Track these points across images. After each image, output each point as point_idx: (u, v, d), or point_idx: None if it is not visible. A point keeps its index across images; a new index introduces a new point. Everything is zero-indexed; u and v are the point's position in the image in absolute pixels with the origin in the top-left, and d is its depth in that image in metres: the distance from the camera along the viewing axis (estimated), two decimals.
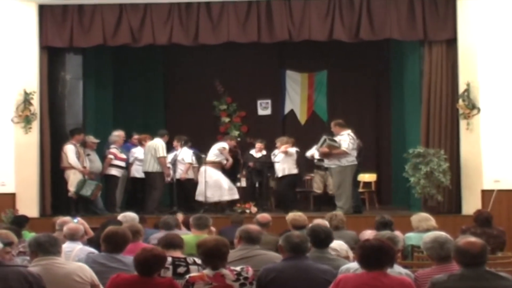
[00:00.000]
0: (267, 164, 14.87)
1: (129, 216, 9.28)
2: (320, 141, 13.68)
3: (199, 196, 14.26)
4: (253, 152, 15.07)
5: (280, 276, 5.81)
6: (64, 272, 5.69)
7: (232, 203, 14.33)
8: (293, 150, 14.56)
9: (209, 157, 14.40)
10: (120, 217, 9.34)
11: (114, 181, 14.57)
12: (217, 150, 14.56)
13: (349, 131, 13.66)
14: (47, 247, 5.77)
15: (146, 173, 14.42)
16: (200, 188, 14.24)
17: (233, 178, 14.97)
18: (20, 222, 10.10)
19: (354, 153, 13.61)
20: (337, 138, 13.54)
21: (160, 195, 14.45)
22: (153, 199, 14.20)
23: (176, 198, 14.48)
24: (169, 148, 14.75)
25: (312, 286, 5.72)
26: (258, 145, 15.05)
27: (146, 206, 14.13)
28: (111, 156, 14.48)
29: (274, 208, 14.98)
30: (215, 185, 14.15)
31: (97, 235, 7.84)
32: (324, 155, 13.76)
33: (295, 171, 14.56)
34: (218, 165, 14.53)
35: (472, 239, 5.05)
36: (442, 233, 6.12)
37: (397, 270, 5.70)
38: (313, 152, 14.42)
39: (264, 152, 15.03)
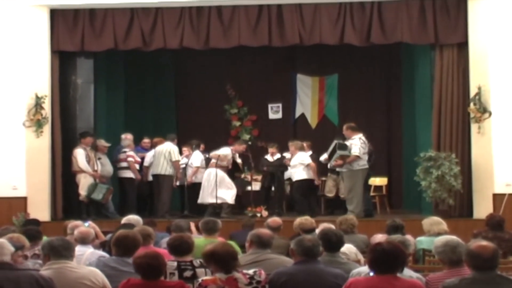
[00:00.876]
0: (281, 168, 14.86)
1: (133, 220, 9.29)
2: (332, 146, 13.66)
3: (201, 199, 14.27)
4: (267, 156, 15.01)
5: (291, 279, 5.81)
6: (76, 276, 5.69)
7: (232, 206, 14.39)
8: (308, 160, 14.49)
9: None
10: (124, 220, 9.36)
11: (131, 184, 14.59)
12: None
13: (360, 135, 13.62)
14: (60, 251, 5.78)
15: (156, 175, 14.44)
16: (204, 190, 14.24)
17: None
18: (31, 235, 10.09)
19: (365, 157, 13.59)
20: (347, 142, 13.52)
21: (170, 198, 14.46)
22: (164, 202, 14.22)
23: (187, 201, 14.51)
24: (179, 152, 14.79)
25: None
26: (271, 149, 15.00)
27: (157, 209, 14.14)
28: (131, 159, 14.50)
29: (286, 212, 14.93)
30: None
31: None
32: (337, 166, 13.75)
33: (307, 176, 14.50)
34: (225, 169, 14.50)
35: (484, 243, 5.02)
36: (454, 237, 6.10)
37: (408, 274, 5.69)
38: (326, 156, 14.38)
39: (278, 156, 15.01)
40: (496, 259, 4.90)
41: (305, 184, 14.41)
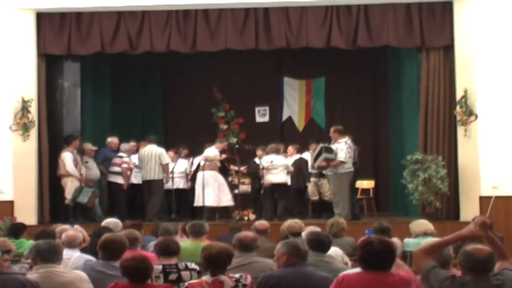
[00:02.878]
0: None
1: (112, 223, 9.28)
2: (317, 150, 13.68)
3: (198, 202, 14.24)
4: (256, 159, 14.99)
5: (279, 282, 5.81)
6: (63, 281, 5.68)
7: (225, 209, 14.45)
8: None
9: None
10: (104, 223, 9.35)
11: (119, 188, 14.52)
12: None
13: (346, 139, 13.61)
14: (46, 255, 5.76)
15: (148, 180, 14.35)
16: (198, 193, 14.23)
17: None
18: (17, 230, 10.09)
19: (351, 161, 13.62)
20: (333, 146, 13.50)
21: (161, 202, 14.45)
22: (153, 206, 14.17)
23: (175, 205, 14.52)
24: None
25: None
26: (260, 152, 14.96)
27: (146, 213, 14.12)
28: (125, 166, 14.45)
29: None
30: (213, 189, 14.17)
31: (91, 243, 7.84)
32: (321, 168, 13.77)
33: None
34: (217, 169, 14.48)
35: (480, 246, 5.02)
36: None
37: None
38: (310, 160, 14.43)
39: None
40: (491, 263, 4.86)
41: (286, 187, 14.48)
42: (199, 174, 14.20)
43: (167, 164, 14.33)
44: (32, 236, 8.60)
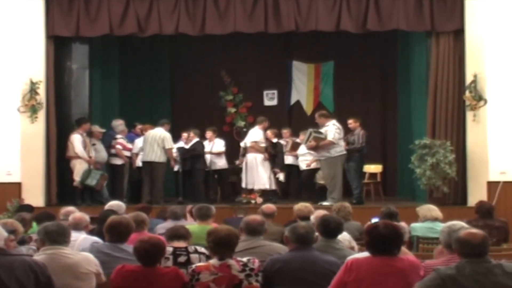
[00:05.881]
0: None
1: (115, 206, 9.29)
2: (306, 135, 13.71)
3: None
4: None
5: (286, 266, 5.80)
6: (70, 262, 5.68)
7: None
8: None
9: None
10: (107, 206, 9.36)
11: (120, 170, 14.58)
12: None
13: (334, 121, 13.72)
14: (54, 237, 5.76)
15: (148, 162, 14.32)
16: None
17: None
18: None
19: (341, 143, 13.68)
20: (322, 130, 13.55)
21: (163, 184, 14.45)
22: (158, 189, 14.20)
23: (182, 188, 14.55)
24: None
25: (318, 277, 5.70)
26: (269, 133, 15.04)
27: (143, 196, 14.14)
28: (119, 147, 14.49)
29: (282, 198, 15.01)
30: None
31: (98, 226, 7.84)
32: (312, 149, 13.77)
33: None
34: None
35: (474, 230, 5.02)
36: (459, 222, 6.07)
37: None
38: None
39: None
40: (486, 246, 4.88)
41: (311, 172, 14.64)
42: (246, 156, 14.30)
43: (170, 149, 14.33)
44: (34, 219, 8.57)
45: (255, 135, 14.34)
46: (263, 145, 14.37)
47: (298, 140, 15.09)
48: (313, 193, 14.29)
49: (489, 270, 4.78)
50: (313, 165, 14.39)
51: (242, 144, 14.73)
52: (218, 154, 14.98)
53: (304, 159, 14.51)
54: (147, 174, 14.36)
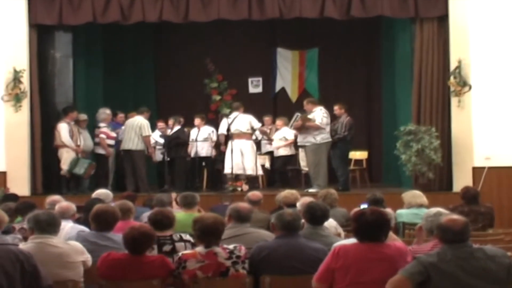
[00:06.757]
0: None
1: (103, 194, 9.27)
2: (293, 118, 13.76)
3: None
4: None
5: (272, 254, 5.81)
6: (57, 252, 5.67)
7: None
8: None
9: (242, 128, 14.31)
10: (94, 195, 9.34)
11: (102, 160, 14.54)
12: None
13: (321, 107, 13.76)
14: (44, 226, 5.76)
15: (128, 150, 14.30)
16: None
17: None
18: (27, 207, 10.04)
19: (328, 129, 13.69)
20: (310, 116, 13.58)
21: (145, 172, 14.43)
22: (142, 178, 14.18)
23: (167, 176, 14.54)
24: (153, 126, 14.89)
25: (305, 264, 5.71)
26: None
27: (136, 185, 14.09)
28: (103, 136, 14.44)
29: (266, 186, 15.04)
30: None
31: (84, 215, 7.82)
32: (298, 129, 13.77)
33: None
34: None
35: (455, 216, 5.05)
36: (440, 209, 6.09)
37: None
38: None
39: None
40: (467, 232, 4.90)
41: (286, 159, 14.68)
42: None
43: (147, 136, 14.33)
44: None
45: (243, 121, 14.26)
46: (249, 131, 14.33)
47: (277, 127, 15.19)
48: (286, 181, 14.38)
49: (471, 254, 4.81)
50: (286, 152, 14.46)
51: (223, 132, 14.60)
52: (205, 141, 14.91)
53: (278, 144, 14.63)
54: (128, 162, 14.34)
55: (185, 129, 15.11)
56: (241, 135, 14.11)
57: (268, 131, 15.40)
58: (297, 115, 13.66)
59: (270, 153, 15.40)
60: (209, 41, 17.58)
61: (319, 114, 13.55)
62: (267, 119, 15.87)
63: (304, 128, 13.59)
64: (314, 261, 5.58)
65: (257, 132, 15.13)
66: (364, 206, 7.58)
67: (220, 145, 14.94)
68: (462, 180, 12.98)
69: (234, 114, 14.39)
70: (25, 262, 4.98)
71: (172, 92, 17.90)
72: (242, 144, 14.05)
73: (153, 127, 14.99)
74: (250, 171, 14.20)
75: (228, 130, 14.23)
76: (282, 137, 14.77)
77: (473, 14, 13.37)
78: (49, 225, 5.78)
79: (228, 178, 14.19)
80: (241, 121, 14.18)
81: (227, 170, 14.08)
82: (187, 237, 6.44)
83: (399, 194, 9.63)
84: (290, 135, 14.63)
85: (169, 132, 14.90)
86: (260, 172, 14.56)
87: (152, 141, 14.84)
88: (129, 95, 17.45)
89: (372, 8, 13.68)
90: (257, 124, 14.31)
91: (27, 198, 11.27)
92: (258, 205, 9.11)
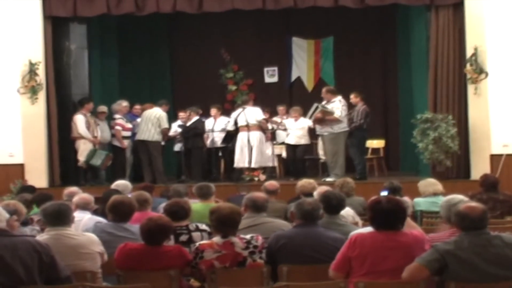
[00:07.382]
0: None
1: (121, 185, 9.29)
2: (312, 109, 13.67)
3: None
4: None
5: (290, 243, 5.81)
6: (73, 243, 5.69)
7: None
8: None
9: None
10: (113, 186, 9.36)
11: (121, 151, 14.56)
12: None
13: (340, 97, 13.70)
14: (53, 219, 5.77)
15: (143, 141, 14.25)
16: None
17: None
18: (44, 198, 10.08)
19: (346, 120, 13.64)
20: (329, 106, 13.53)
21: (162, 163, 14.40)
22: (159, 169, 14.17)
23: (184, 167, 14.53)
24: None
25: (322, 253, 5.72)
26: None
27: (153, 175, 14.11)
28: (118, 128, 14.46)
29: (283, 175, 15.03)
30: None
31: (102, 206, 7.83)
32: (318, 121, 13.73)
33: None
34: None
35: (473, 204, 5.03)
36: (458, 196, 6.06)
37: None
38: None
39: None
40: (485, 220, 4.89)
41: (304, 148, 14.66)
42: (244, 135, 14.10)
43: (165, 129, 14.32)
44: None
45: (257, 113, 14.21)
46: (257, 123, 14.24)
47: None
48: (300, 170, 14.39)
49: (488, 241, 4.80)
50: (304, 141, 14.49)
51: (234, 124, 14.48)
52: (222, 132, 14.88)
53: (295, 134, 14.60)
54: (144, 153, 14.31)
55: (203, 120, 15.06)
56: (251, 127, 14.05)
57: (280, 120, 15.33)
58: (316, 105, 13.59)
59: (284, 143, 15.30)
60: (224, 31, 17.57)
61: (338, 106, 13.47)
62: (281, 108, 15.85)
63: (323, 120, 13.55)
64: (331, 250, 5.58)
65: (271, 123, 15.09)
66: (384, 193, 7.55)
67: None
68: (480, 167, 12.93)
69: (243, 107, 14.34)
70: (43, 253, 5.01)
71: (188, 82, 17.87)
72: (252, 136, 13.97)
73: (171, 118, 14.96)
74: (269, 163, 14.20)
75: (236, 123, 14.19)
76: (301, 127, 14.57)
77: (489, 1, 13.27)
78: (56, 218, 5.79)
79: (245, 168, 14.15)
80: (250, 113, 14.12)
81: (237, 163, 14.07)
82: (203, 226, 6.44)
83: (416, 183, 9.59)
84: (308, 124, 14.52)
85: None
86: (276, 163, 14.52)
87: (172, 131, 14.82)
88: (144, 86, 17.45)
89: None
90: (260, 116, 14.20)
91: (45, 190, 11.30)
92: (275, 194, 9.10)
